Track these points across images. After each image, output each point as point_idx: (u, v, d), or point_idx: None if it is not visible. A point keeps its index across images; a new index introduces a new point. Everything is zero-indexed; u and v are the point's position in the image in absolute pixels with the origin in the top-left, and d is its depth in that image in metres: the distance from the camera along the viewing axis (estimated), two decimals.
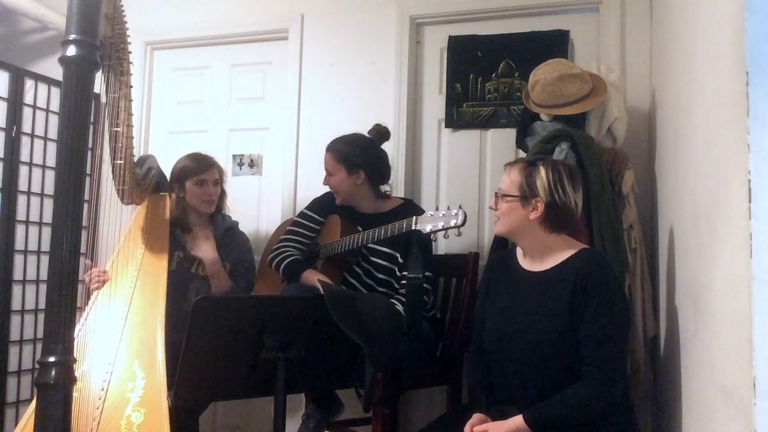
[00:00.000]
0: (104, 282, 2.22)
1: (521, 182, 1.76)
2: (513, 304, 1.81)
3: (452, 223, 2.06)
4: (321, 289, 2.16)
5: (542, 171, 1.76)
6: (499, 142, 2.91)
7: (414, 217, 2.16)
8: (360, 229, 2.42)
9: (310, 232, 2.60)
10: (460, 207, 2.07)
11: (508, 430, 1.64)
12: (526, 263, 1.85)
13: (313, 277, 2.32)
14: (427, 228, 2.10)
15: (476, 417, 1.72)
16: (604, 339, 1.65)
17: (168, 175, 2.66)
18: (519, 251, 1.89)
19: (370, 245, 2.42)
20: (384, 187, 2.59)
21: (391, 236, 2.24)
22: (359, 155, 2.46)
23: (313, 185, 2.96)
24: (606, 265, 1.76)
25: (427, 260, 2.43)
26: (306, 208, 2.66)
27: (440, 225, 2.08)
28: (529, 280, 1.81)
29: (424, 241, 2.37)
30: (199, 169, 2.59)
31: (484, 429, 1.67)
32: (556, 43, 2.82)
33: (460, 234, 2.09)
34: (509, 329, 1.77)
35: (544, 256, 1.80)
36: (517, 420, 1.63)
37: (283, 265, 2.47)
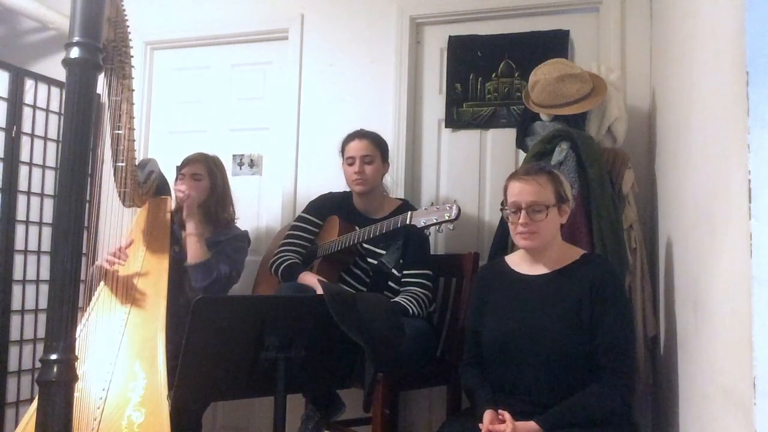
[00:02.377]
0: (113, 263, 2.24)
1: (555, 189, 1.79)
2: (520, 307, 1.81)
3: (446, 217, 2.08)
4: (317, 289, 2.16)
5: (560, 176, 1.84)
6: (499, 142, 2.90)
7: (409, 212, 2.18)
8: (358, 229, 2.42)
9: (309, 234, 2.60)
10: (454, 202, 2.11)
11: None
12: (525, 268, 1.87)
13: (309, 279, 2.33)
14: (421, 222, 2.13)
15: (489, 414, 1.69)
16: (623, 350, 1.70)
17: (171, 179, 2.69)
18: (513, 258, 1.92)
19: (367, 246, 2.42)
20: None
21: (387, 233, 2.25)
22: (386, 145, 2.54)
23: (313, 185, 2.96)
24: (617, 273, 1.83)
25: (424, 259, 2.44)
26: (303, 211, 2.67)
27: (434, 219, 2.11)
28: (535, 283, 1.82)
29: (420, 240, 2.37)
30: (182, 164, 2.66)
31: (512, 429, 1.61)
32: (556, 43, 2.82)
33: (453, 228, 2.11)
34: (521, 331, 1.77)
35: (548, 259, 1.83)
36: (531, 425, 1.62)
37: (280, 269, 2.48)
